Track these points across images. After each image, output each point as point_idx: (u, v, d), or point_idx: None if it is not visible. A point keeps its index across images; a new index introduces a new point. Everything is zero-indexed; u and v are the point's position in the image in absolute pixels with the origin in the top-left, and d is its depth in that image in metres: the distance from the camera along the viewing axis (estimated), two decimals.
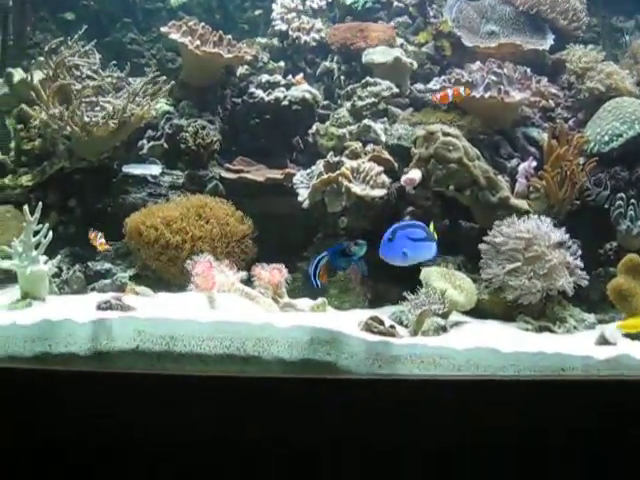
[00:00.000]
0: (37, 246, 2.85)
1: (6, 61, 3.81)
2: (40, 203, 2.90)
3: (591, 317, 2.88)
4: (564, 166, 3.12)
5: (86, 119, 3.19)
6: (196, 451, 1.75)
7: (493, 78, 3.44)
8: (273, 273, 2.75)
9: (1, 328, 2.02)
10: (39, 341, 1.95)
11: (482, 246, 2.89)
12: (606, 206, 3.12)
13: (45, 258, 2.87)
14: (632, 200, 3.10)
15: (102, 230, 3.30)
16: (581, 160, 3.22)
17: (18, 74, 3.54)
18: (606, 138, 3.30)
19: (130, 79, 3.49)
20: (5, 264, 2.85)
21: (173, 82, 3.55)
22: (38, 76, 3.35)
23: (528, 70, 3.57)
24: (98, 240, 3.01)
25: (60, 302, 2.88)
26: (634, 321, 2.61)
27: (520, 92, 3.47)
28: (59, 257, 2.99)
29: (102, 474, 1.76)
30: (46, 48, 3.41)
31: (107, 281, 3.06)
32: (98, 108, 3.29)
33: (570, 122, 3.60)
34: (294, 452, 1.76)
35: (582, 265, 2.84)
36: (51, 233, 2.88)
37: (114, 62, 3.57)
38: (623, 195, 3.12)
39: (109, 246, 3.07)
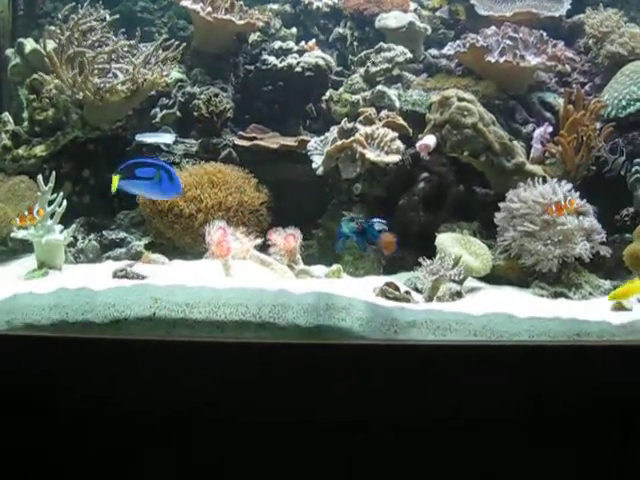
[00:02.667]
0: (52, 215, 2.86)
1: (17, 31, 3.80)
2: (54, 172, 2.90)
3: (607, 283, 2.85)
4: (580, 131, 3.09)
5: (98, 82, 3.18)
6: (212, 417, 1.77)
7: (508, 42, 3.39)
8: (288, 239, 2.75)
9: (19, 297, 2.04)
10: (56, 309, 1.97)
11: (498, 214, 2.87)
12: (622, 173, 3.08)
13: (60, 227, 2.89)
14: None
15: (116, 199, 3.33)
16: (598, 125, 3.19)
17: (29, 44, 3.53)
18: (623, 103, 3.26)
19: (141, 45, 3.47)
20: (21, 234, 2.86)
21: (184, 44, 3.51)
22: (50, 45, 3.34)
23: (544, 34, 3.50)
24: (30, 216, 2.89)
25: (76, 271, 2.90)
26: (624, 289, 2.59)
27: (536, 56, 3.42)
28: (74, 226, 2.99)
29: (119, 440, 1.77)
30: (59, 15, 3.38)
31: (122, 250, 3.07)
32: (110, 75, 3.27)
33: (587, 87, 3.56)
34: (308, 418, 1.77)
35: (601, 230, 2.82)
36: (65, 202, 2.88)
37: (123, 30, 3.54)
38: None
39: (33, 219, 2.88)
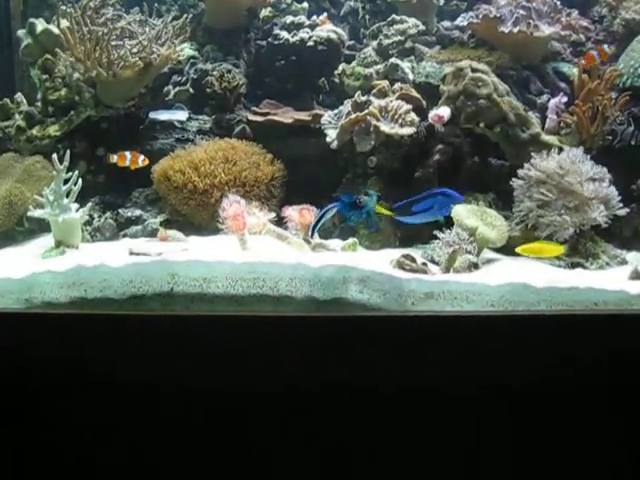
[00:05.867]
0: (68, 194, 2.87)
1: (28, 12, 3.79)
2: (68, 151, 2.91)
3: (624, 253, 2.84)
4: (596, 101, 3.06)
5: (113, 56, 3.18)
6: (229, 393, 1.77)
7: (522, 12, 3.35)
8: (303, 213, 2.75)
9: (37, 275, 2.05)
10: (75, 287, 1.97)
11: (515, 180, 2.86)
12: (632, 143, 3.05)
13: (76, 206, 2.90)
14: None
15: (131, 177, 3.33)
16: (613, 94, 3.16)
17: (40, 24, 3.52)
18: (639, 71, 3.22)
19: (151, 20, 3.46)
20: (37, 213, 2.88)
21: (192, 16, 3.52)
22: (64, 23, 3.33)
23: (558, 3, 3.46)
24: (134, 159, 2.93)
25: (93, 249, 2.92)
26: (535, 247, 2.60)
27: (550, 26, 3.38)
28: (90, 205, 3.01)
29: (133, 414, 1.78)
30: None
31: (138, 227, 3.09)
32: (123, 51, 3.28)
33: None
34: (327, 391, 1.77)
35: (617, 196, 2.80)
36: (81, 181, 2.90)
37: (136, 9, 3.53)
38: None
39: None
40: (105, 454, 1.78)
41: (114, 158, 2.92)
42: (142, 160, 2.91)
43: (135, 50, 3.24)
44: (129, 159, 2.89)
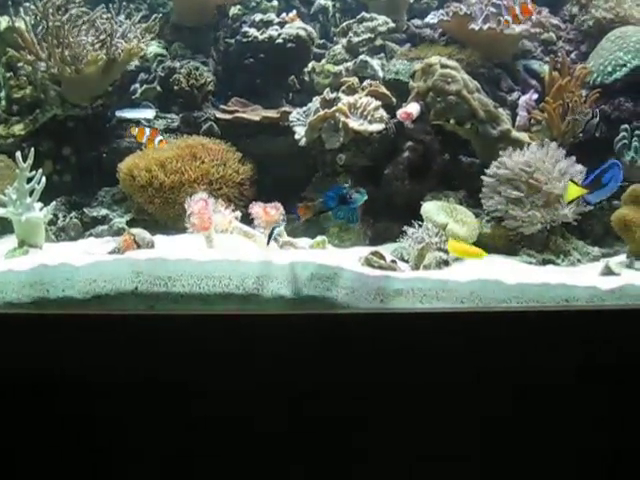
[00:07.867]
0: (31, 193, 2.82)
1: None
2: (32, 149, 2.86)
3: (595, 250, 2.84)
4: (566, 98, 3.06)
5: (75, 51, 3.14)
6: (197, 390, 1.74)
7: (492, 10, 3.35)
8: (267, 210, 2.72)
9: None
10: (36, 286, 1.93)
11: (485, 178, 2.84)
12: (597, 135, 3.05)
13: (40, 205, 2.85)
14: (636, 131, 3.04)
15: (98, 177, 3.29)
16: (584, 92, 3.16)
17: (5, 21, 3.47)
18: (609, 69, 3.23)
19: (120, 18, 3.42)
20: (0, 212, 2.83)
21: (161, 15, 3.49)
22: (21, 22, 3.28)
23: (528, 1, 3.47)
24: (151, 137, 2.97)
25: (57, 249, 2.88)
26: (464, 248, 2.59)
27: (520, 23, 3.39)
28: (54, 204, 2.96)
29: (102, 418, 1.74)
30: None
31: (104, 227, 3.05)
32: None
33: (572, 55, 3.53)
34: (296, 391, 1.74)
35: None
36: (44, 179, 2.84)
37: (103, 7, 3.48)
38: (627, 126, 3.05)
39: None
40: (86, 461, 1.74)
41: (135, 130, 3.02)
42: (159, 141, 2.91)
43: (97, 45, 3.19)
44: (147, 136, 2.91)
